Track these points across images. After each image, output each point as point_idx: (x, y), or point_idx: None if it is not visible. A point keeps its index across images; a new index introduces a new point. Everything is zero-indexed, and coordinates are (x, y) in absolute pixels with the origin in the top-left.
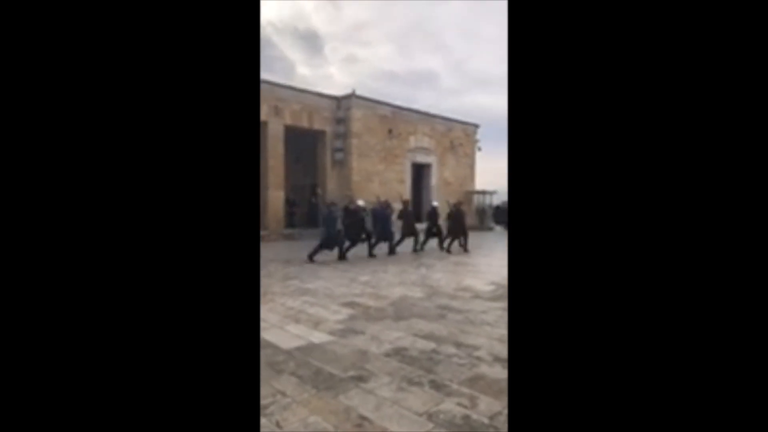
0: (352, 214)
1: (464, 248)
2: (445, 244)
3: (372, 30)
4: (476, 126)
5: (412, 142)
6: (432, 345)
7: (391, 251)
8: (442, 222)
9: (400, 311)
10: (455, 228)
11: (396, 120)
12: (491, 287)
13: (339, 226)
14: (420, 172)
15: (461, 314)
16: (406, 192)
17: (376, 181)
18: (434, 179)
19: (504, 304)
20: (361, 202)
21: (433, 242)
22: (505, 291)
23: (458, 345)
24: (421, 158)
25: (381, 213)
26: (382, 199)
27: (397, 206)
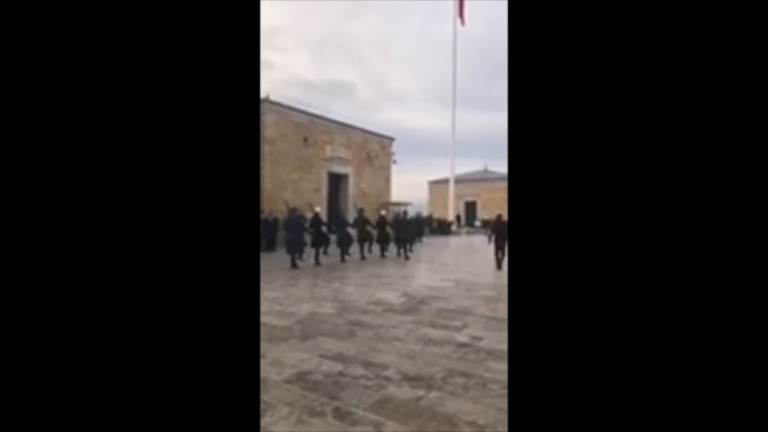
0: (316, 221)
1: (405, 256)
2: (398, 251)
3: (287, 36)
4: (392, 139)
5: (329, 151)
6: (339, 367)
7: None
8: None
9: (308, 330)
10: (400, 235)
11: (312, 128)
12: (403, 299)
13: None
14: (337, 182)
15: (372, 330)
16: (323, 201)
17: (289, 189)
18: (351, 189)
19: (414, 317)
20: (318, 209)
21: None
22: (415, 303)
23: (367, 365)
24: (338, 168)
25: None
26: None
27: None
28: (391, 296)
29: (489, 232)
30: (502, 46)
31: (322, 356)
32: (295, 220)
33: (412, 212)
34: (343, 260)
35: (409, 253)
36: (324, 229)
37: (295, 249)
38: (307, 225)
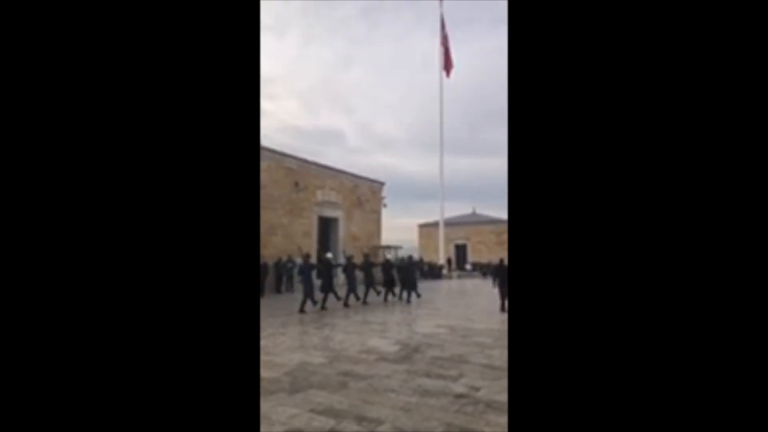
0: (326, 267)
1: (408, 300)
2: (400, 294)
3: (279, 85)
4: (382, 183)
5: (320, 195)
6: (331, 422)
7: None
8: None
9: (297, 382)
10: (408, 280)
11: (303, 173)
12: (396, 347)
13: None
14: (327, 225)
15: (365, 381)
16: (313, 245)
17: (279, 234)
18: (342, 233)
19: (408, 366)
20: (329, 255)
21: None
22: (409, 351)
23: (360, 419)
24: (329, 212)
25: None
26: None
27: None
28: (384, 344)
29: (489, 274)
30: (486, 94)
31: (312, 411)
32: (308, 266)
33: (403, 255)
34: (346, 305)
35: (396, 297)
36: (335, 273)
37: (308, 294)
38: (317, 270)
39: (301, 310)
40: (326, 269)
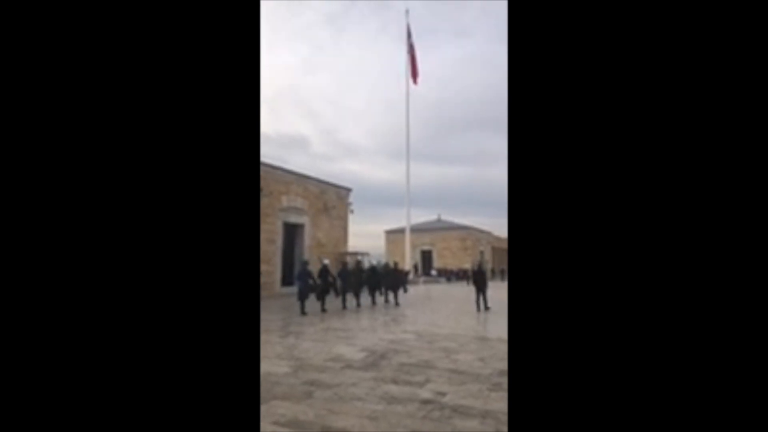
0: (324, 272)
1: (396, 302)
2: (390, 297)
3: None
4: (349, 190)
5: (285, 201)
6: None
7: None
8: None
9: (260, 393)
10: (395, 283)
11: (267, 179)
12: (363, 354)
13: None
14: (292, 232)
15: (330, 390)
16: (278, 252)
17: None
18: (307, 240)
19: (375, 373)
20: (326, 261)
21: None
22: (376, 358)
23: (325, 430)
24: (294, 218)
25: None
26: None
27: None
28: (350, 351)
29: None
30: (450, 104)
31: (275, 423)
32: (305, 272)
33: (366, 262)
34: (344, 307)
35: (386, 303)
36: (329, 279)
37: (304, 297)
38: (316, 275)
39: (303, 311)
40: (324, 274)
